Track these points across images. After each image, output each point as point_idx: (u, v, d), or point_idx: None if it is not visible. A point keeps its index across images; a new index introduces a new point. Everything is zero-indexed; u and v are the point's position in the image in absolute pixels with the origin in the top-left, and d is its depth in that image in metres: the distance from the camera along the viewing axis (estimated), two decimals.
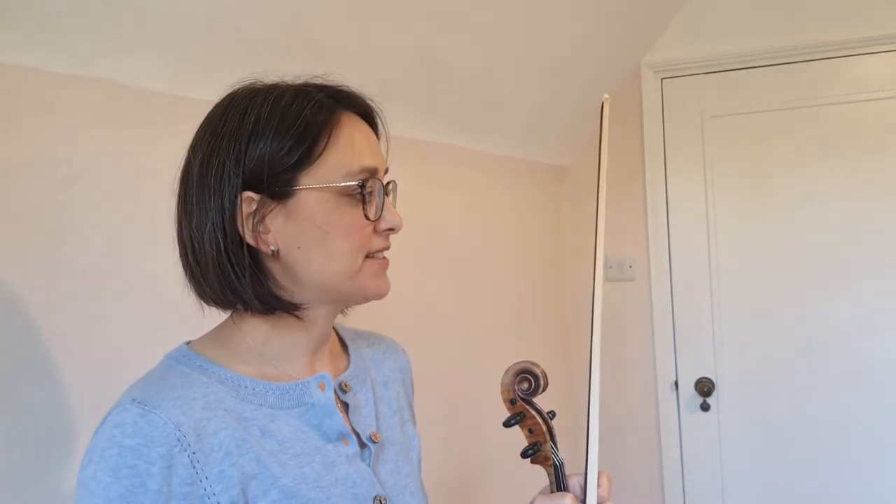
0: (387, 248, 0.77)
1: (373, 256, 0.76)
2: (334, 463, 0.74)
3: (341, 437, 0.76)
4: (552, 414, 0.89)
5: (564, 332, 2.64)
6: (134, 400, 0.65)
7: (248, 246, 0.71)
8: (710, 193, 2.46)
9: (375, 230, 0.75)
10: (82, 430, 0.95)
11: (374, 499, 0.76)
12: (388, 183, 0.79)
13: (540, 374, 0.87)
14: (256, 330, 0.75)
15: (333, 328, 0.89)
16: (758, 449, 2.43)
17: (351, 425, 0.78)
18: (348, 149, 0.72)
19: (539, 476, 0.88)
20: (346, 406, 0.80)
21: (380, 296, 0.77)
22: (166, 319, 1.07)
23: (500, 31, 1.72)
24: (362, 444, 0.79)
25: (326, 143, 0.71)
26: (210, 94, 1.15)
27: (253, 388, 0.72)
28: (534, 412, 0.87)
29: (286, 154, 0.70)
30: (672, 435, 2.51)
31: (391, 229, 0.76)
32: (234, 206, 0.69)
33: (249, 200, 0.70)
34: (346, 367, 0.84)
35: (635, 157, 2.53)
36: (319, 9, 1.23)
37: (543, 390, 0.87)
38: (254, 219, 0.70)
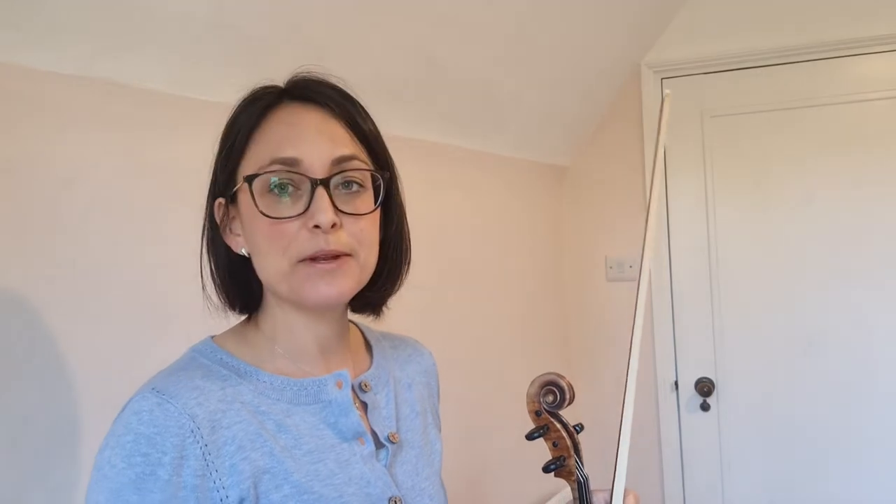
0: (320, 251, 0.68)
1: (308, 261, 0.69)
2: (349, 461, 0.73)
3: (357, 435, 0.75)
4: (579, 427, 0.87)
5: (564, 332, 2.64)
6: (153, 389, 0.66)
7: (231, 249, 0.75)
8: (710, 193, 2.45)
9: (307, 228, 0.69)
10: (82, 431, 0.95)
11: (389, 500, 0.75)
12: (340, 173, 0.71)
13: (566, 387, 0.84)
14: (269, 327, 0.76)
15: (359, 329, 0.89)
16: (758, 449, 2.43)
17: (369, 425, 0.78)
18: (265, 143, 0.71)
19: (549, 481, 0.87)
20: (364, 406, 0.79)
21: (319, 303, 0.71)
22: (166, 319, 1.07)
23: (500, 32, 1.72)
24: (380, 445, 0.78)
25: (247, 140, 0.72)
26: (210, 95, 1.15)
27: (271, 383, 0.73)
28: (559, 425, 0.85)
29: (224, 156, 0.73)
30: (672, 435, 2.51)
31: (317, 226, 0.68)
32: (211, 213, 0.75)
33: (219, 206, 0.74)
34: (368, 368, 0.83)
35: (635, 157, 2.53)
36: (320, 10, 1.23)
37: (570, 403, 0.85)
38: (225, 223, 0.75)
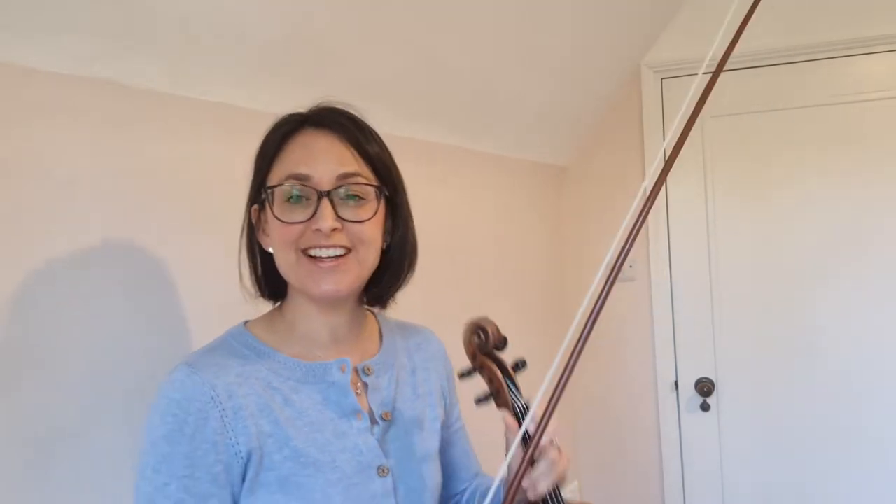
0: (317, 245, 0.84)
1: (308, 255, 0.84)
2: (345, 433, 0.87)
3: (355, 412, 0.88)
4: (521, 363, 0.96)
5: (564, 332, 2.63)
6: (186, 363, 0.82)
7: (261, 247, 0.90)
8: (710, 193, 2.46)
9: (311, 230, 0.84)
10: (82, 430, 0.95)
11: (378, 468, 0.88)
12: (343, 186, 0.85)
13: (489, 329, 0.94)
14: (291, 314, 0.91)
15: (376, 319, 1.03)
16: (758, 449, 2.43)
17: (368, 403, 0.91)
18: (285, 161, 0.87)
19: None
20: (365, 386, 0.92)
21: (319, 295, 0.86)
22: (166, 318, 1.07)
23: (500, 32, 1.72)
24: (375, 421, 0.90)
25: (272, 159, 0.88)
26: (209, 94, 1.15)
27: (284, 363, 0.87)
28: (491, 362, 0.94)
29: (256, 172, 0.90)
30: (672, 435, 2.51)
31: (318, 229, 0.83)
32: (249, 217, 0.91)
33: (255, 211, 0.91)
34: (375, 354, 0.96)
35: (635, 157, 2.53)
36: (321, 10, 1.23)
37: (496, 344, 0.94)
38: (260, 225, 0.90)
